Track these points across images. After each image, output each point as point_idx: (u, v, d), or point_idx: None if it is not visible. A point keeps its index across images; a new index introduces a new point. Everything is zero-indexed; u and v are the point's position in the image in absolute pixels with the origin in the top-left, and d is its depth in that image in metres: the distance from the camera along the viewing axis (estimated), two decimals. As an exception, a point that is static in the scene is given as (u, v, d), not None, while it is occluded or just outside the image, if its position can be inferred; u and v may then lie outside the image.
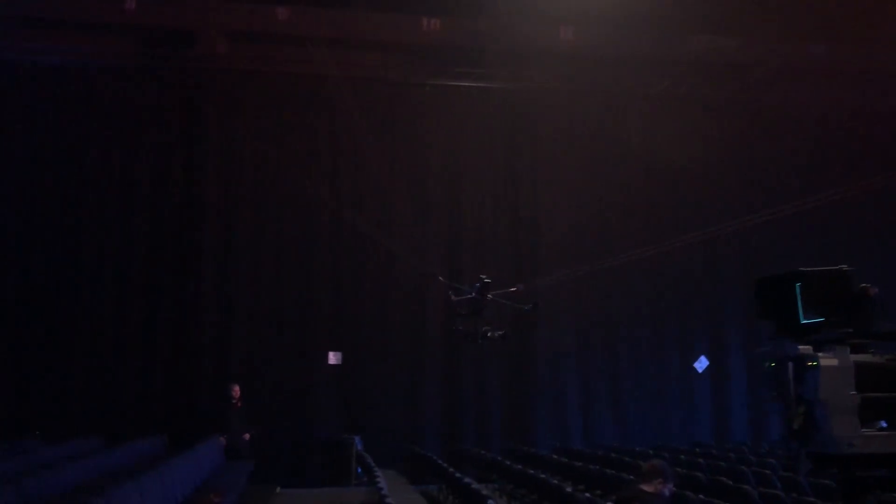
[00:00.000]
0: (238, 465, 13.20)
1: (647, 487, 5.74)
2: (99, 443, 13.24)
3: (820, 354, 2.35)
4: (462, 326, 12.06)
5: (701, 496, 8.20)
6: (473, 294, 11.43)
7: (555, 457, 12.86)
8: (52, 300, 14.92)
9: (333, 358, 15.55)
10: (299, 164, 15.94)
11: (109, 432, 13.85)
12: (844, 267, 2.81)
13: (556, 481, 9.89)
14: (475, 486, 9.36)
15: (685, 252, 16.95)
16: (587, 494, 8.59)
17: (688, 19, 15.85)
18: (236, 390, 14.49)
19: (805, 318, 2.49)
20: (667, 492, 5.84)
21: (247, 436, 14.26)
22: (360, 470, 14.19)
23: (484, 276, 11.19)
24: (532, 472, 11.04)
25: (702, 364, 16.65)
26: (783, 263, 15.75)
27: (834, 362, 2.33)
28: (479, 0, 15.22)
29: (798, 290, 2.53)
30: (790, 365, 2.41)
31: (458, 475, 10.44)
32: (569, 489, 9.10)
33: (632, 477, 9.01)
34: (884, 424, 2.81)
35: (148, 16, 15.25)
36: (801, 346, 2.36)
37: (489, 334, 11.63)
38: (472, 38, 15.86)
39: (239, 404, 14.43)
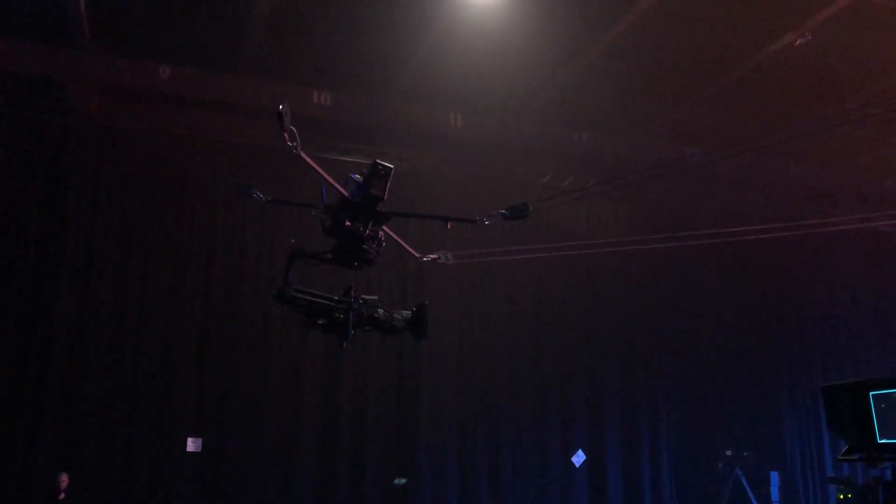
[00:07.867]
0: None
1: None
2: None
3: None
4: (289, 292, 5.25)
5: None
6: (357, 190, 5.13)
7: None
8: None
9: (192, 445, 14.23)
10: (170, 229, 14.94)
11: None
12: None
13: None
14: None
15: (568, 349, 16.97)
16: None
17: (572, 116, 16.29)
18: (64, 480, 12.84)
19: (882, 437, 2.10)
20: None
21: None
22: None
23: (380, 161, 5.01)
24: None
25: (579, 458, 16.43)
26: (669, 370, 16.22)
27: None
28: (373, 79, 15.06)
29: (872, 402, 2.15)
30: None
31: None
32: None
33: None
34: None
35: (9, 61, 13.94)
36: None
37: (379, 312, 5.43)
38: (362, 115, 15.61)
39: (63, 496, 12.84)
